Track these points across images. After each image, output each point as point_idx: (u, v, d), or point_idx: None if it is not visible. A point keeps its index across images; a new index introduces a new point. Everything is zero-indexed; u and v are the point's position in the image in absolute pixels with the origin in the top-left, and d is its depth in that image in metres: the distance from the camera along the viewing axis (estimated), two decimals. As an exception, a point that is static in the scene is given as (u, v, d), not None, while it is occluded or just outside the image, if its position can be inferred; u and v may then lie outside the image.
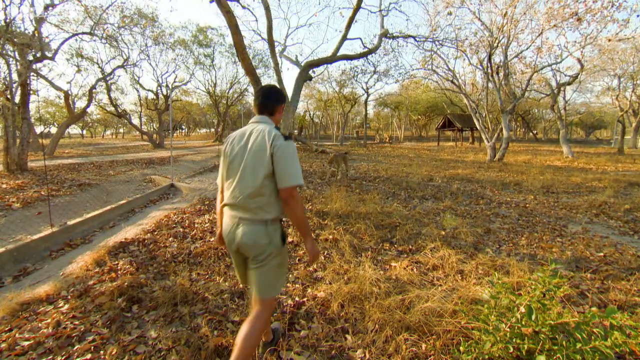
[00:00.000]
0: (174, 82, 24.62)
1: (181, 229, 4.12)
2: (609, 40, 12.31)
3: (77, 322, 2.13)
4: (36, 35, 9.81)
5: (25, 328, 2.08)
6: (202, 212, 4.95)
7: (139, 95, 25.21)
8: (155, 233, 3.97)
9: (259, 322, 1.52)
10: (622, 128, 19.74)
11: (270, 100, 1.64)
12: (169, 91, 23.92)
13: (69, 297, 2.46)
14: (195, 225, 4.27)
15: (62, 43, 13.56)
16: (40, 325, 2.11)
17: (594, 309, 2.33)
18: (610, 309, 1.47)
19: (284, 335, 2.00)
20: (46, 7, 10.63)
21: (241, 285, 2.63)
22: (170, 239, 3.77)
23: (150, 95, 24.67)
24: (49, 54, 12.21)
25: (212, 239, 3.74)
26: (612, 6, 10.54)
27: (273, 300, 1.62)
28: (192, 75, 25.48)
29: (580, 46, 13.08)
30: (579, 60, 14.88)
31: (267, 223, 1.51)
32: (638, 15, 11.78)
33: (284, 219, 1.72)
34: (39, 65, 13.07)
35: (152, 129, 40.19)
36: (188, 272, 2.89)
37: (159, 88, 23.32)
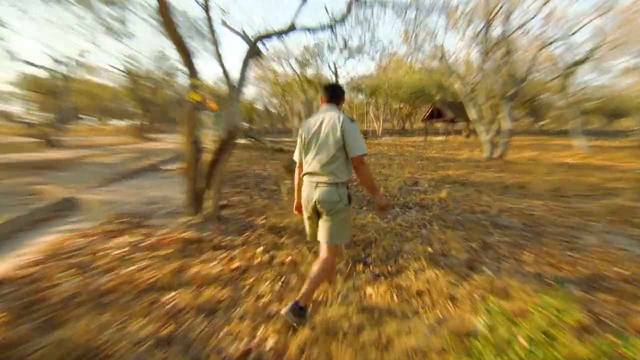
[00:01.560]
0: (75, 56, 23.28)
1: (83, 258, 3.89)
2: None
3: None
4: None
5: None
6: (113, 234, 4.71)
7: (20, 73, 23.50)
8: (44, 266, 3.72)
9: (326, 263, 2.61)
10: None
11: (336, 94, 2.85)
12: (63, 67, 22.54)
13: None
14: (104, 252, 4.05)
15: None
16: None
17: (610, 337, 2.52)
18: (626, 336, 1.59)
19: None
20: None
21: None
22: (66, 272, 3.55)
23: (42, 73, 23.12)
24: None
25: (128, 269, 3.57)
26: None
27: (336, 247, 2.74)
28: (94, 45, 24.24)
29: (600, 13, 13.59)
30: (598, 32, 15.42)
31: (337, 185, 2.59)
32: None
33: (349, 185, 2.75)
34: None
35: (44, 120, 37.60)
36: (94, 316, 2.73)
37: (49, 62, 21.88)
